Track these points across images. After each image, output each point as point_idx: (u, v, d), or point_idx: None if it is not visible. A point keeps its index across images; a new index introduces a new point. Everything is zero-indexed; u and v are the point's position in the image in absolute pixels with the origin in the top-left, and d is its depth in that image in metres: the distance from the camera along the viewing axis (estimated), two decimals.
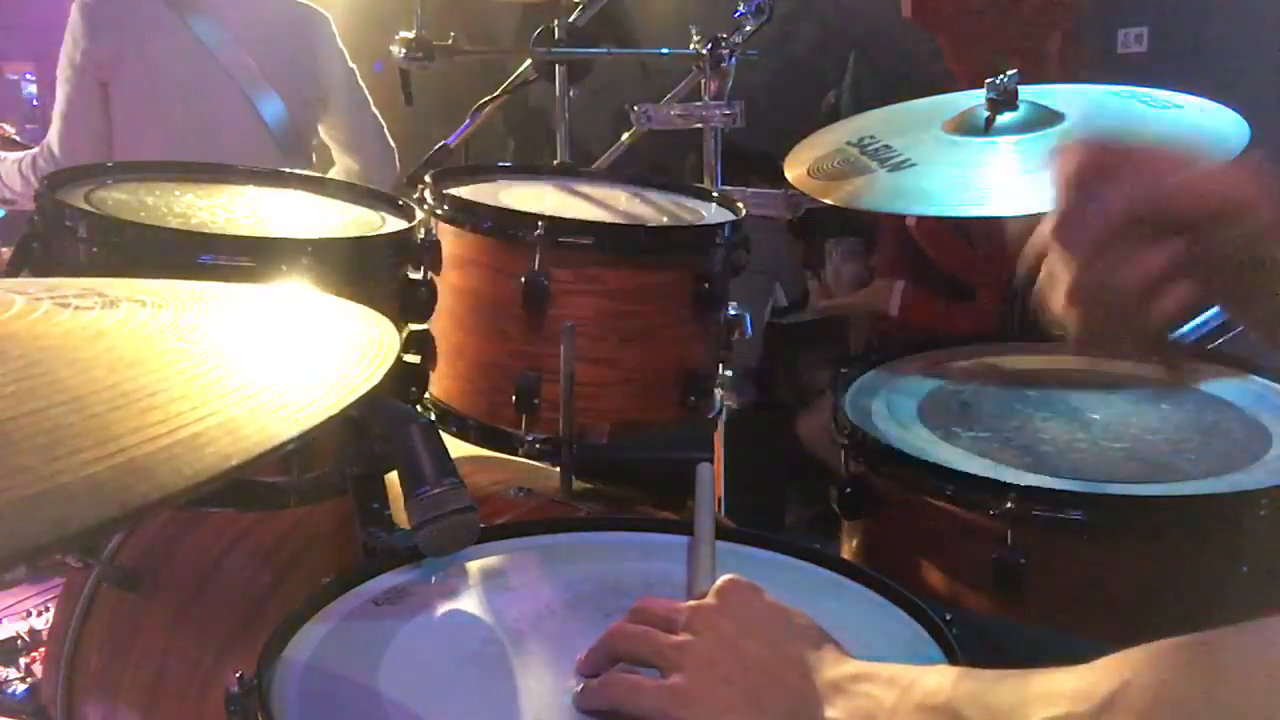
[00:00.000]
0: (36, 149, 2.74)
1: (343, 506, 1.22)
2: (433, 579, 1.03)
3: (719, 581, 0.88)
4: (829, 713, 0.78)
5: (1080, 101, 1.67)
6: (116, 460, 0.46)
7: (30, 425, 0.48)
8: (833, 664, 0.81)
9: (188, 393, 0.53)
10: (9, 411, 0.49)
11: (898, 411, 1.45)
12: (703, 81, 2.00)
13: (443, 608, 0.99)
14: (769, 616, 0.85)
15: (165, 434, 0.48)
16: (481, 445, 1.47)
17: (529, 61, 2.23)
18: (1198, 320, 0.89)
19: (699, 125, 1.99)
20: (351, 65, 2.92)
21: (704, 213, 1.66)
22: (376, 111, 2.96)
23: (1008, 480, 1.22)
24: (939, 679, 0.76)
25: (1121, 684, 0.65)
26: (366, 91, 2.95)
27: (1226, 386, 1.51)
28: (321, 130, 2.94)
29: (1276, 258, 0.86)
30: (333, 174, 2.94)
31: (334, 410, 0.56)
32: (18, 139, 3.01)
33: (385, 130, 2.98)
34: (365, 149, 2.97)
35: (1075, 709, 0.67)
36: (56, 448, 0.46)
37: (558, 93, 2.26)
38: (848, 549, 1.48)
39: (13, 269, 1.27)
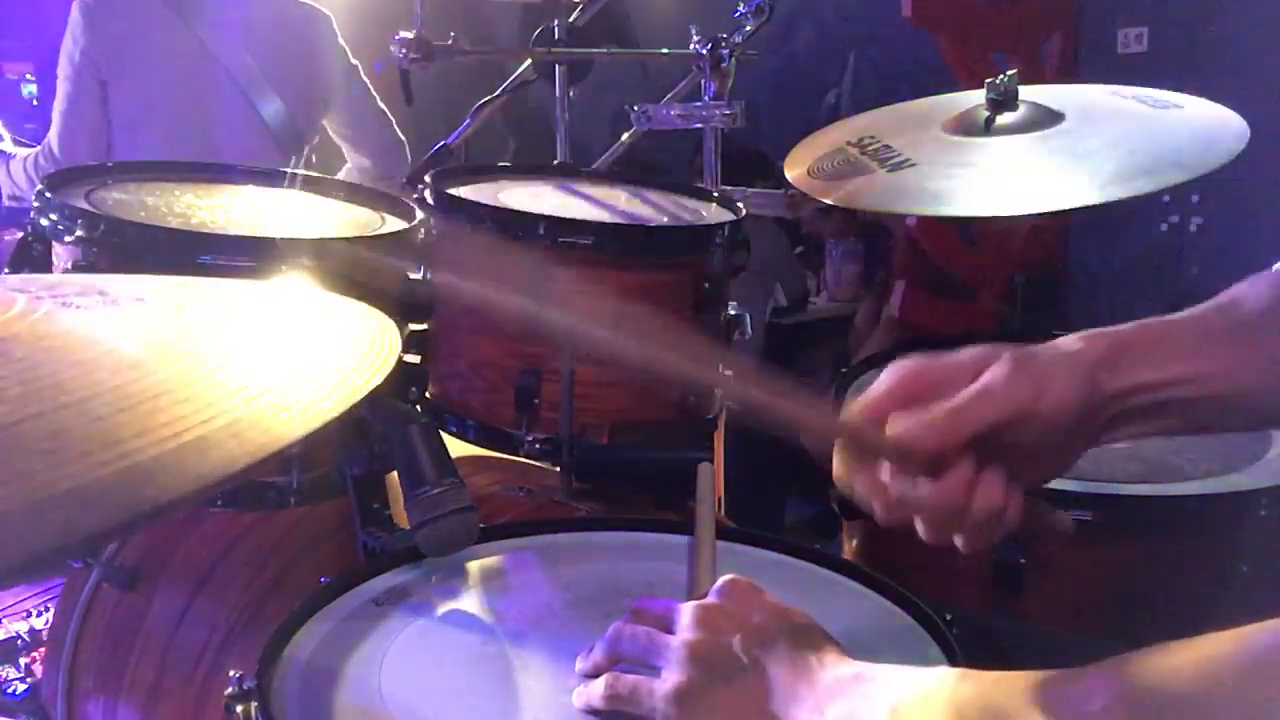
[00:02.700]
0: (39, 148, 2.74)
1: (343, 506, 1.22)
2: (433, 579, 1.03)
3: (719, 581, 0.88)
4: (829, 714, 0.77)
5: (1080, 101, 1.67)
6: (122, 464, 0.46)
7: (35, 429, 0.48)
8: (833, 665, 0.80)
9: (191, 395, 0.53)
10: (14, 415, 0.49)
11: None
12: (703, 81, 2.00)
13: (443, 608, 0.99)
14: (769, 616, 0.85)
15: (170, 437, 0.48)
16: (481, 445, 1.47)
17: (529, 61, 2.23)
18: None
19: (699, 125, 1.98)
20: (354, 62, 2.91)
21: (704, 213, 1.66)
22: (384, 106, 2.96)
23: None
24: (939, 680, 0.76)
25: (1123, 688, 0.65)
26: (370, 87, 2.95)
27: None
28: (328, 128, 2.94)
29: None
30: (344, 172, 2.95)
31: (337, 411, 0.56)
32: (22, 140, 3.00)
33: (393, 123, 2.97)
34: (372, 144, 2.97)
35: (1077, 714, 0.67)
36: (62, 452, 0.46)
37: (558, 93, 2.26)
38: (848, 549, 1.48)
39: (13, 269, 1.27)
